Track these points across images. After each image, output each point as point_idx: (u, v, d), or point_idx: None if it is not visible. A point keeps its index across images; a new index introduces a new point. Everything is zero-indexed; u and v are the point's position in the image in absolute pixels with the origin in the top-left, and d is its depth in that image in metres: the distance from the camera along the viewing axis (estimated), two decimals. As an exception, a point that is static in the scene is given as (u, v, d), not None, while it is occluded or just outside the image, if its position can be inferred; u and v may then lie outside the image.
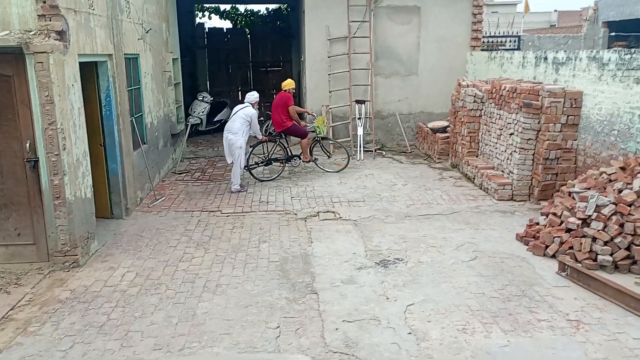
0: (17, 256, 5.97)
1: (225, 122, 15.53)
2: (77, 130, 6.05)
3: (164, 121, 10.35)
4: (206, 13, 18.81)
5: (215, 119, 15.03)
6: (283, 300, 5.17)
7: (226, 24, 19.10)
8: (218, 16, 18.97)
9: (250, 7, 19.00)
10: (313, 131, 10.46)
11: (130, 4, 8.15)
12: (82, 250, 6.05)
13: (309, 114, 11.06)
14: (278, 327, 4.72)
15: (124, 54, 7.73)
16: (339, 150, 11.63)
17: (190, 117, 13.86)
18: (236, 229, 7.19)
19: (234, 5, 18.67)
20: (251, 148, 9.72)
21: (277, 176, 9.84)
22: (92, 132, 6.84)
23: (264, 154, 10.10)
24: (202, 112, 14.57)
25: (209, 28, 18.42)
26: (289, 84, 10.13)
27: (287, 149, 10.12)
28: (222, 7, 18.81)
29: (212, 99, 15.30)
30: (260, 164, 9.86)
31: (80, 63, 6.18)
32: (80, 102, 6.19)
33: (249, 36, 18.44)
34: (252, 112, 9.21)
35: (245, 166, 9.29)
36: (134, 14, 8.35)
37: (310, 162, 10.27)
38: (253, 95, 9.55)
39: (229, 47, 18.14)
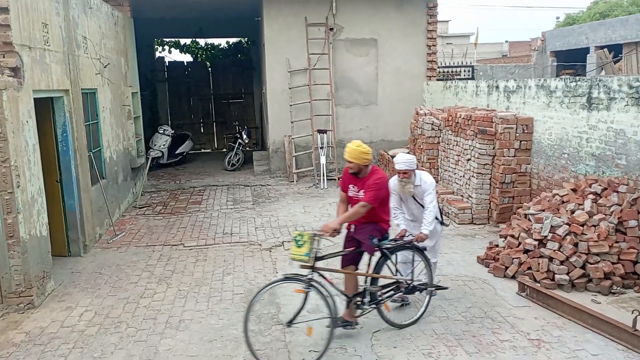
0: (-33, 299, 5.71)
1: (186, 154, 15.54)
2: (31, 167, 5.90)
3: (124, 155, 10.20)
4: (166, 47, 18.83)
5: (177, 152, 14.93)
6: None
7: (187, 58, 19.17)
8: (178, 50, 19.02)
9: (210, 40, 19.15)
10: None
11: (88, 40, 8.11)
12: (37, 290, 5.83)
13: None
14: (243, 360, 4.63)
15: (81, 88, 7.65)
16: None
17: (151, 150, 13.73)
18: (199, 262, 7.08)
19: (194, 39, 18.78)
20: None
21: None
22: (47, 168, 6.69)
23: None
24: (164, 145, 14.48)
25: (169, 61, 18.45)
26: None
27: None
28: (182, 41, 18.89)
29: (173, 132, 15.24)
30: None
31: (35, 99, 6.08)
32: (35, 139, 6.06)
33: (210, 69, 18.54)
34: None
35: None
36: (92, 49, 8.31)
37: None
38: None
39: (190, 80, 18.19)
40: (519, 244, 6.42)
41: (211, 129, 18.67)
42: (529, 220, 6.56)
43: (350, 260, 4.96)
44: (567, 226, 6.05)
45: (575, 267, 5.85)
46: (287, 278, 4.64)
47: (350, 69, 12.78)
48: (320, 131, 12.27)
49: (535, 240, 6.19)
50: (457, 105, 10.93)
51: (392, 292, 5.15)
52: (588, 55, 23.57)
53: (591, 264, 5.83)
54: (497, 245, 6.79)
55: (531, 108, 8.26)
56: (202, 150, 18.23)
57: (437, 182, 10.03)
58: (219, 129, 18.65)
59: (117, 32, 10.16)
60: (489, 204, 8.45)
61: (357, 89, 12.89)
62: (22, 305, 5.68)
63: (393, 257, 5.10)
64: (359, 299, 4.92)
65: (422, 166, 10.35)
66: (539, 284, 5.82)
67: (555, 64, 25.19)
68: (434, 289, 5.44)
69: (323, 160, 11.93)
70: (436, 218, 5.46)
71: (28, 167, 5.79)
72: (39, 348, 4.90)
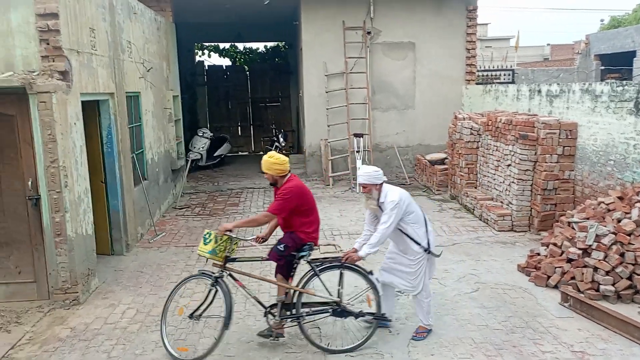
0: (17, 294, 5.94)
1: (224, 157, 15.77)
2: (78, 167, 6.11)
3: (165, 157, 10.44)
4: (206, 51, 19.20)
5: (215, 154, 15.17)
6: (285, 335, 5.12)
7: (225, 62, 19.50)
8: (217, 54, 19.37)
9: (249, 45, 19.42)
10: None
11: (132, 44, 8.34)
12: (82, 287, 6.02)
13: None
14: (280, 363, 4.66)
15: (126, 92, 7.87)
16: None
17: (190, 152, 14.00)
18: (237, 264, 7.15)
19: (233, 43, 19.09)
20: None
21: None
22: (93, 169, 6.90)
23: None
24: (202, 147, 14.74)
25: (208, 66, 18.79)
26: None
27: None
28: (222, 45, 19.23)
29: (212, 134, 15.49)
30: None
31: (82, 102, 6.30)
32: (82, 140, 6.27)
33: (247, 73, 18.79)
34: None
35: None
36: (136, 54, 8.54)
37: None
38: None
39: (228, 83, 18.47)
40: (562, 252, 6.24)
41: (248, 132, 18.91)
42: (573, 228, 6.38)
43: (279, 269, 4.97)
44: (613, 235, 5.85)
45: (622, 278, 5.65)
46: (201, 273, 4.83)
47: (387, 73, 12.72)
48: (356, 135, 12.24)
49: (580, 249, 6.00)
50: (497, 109, 10.73)
51: (318, 312, 4.88)
52: (635, 58, 22.76)
53: (638, 274, 5.62)
54: (538, 254, 6.63)
55: (575, 113, 8.04)
56: (240, 153, 18.48)
57: (475, 187, 9.87)
58: (256, 132, 18.87)
59: (160, 37, 10.42)
60: (530, 211, 8.25)
61: (394, 93, 12.82)
62: (67, 302, 5.88)
63: (325, 275, 4.83)
64: (275, 310, 4.87)
65: (459, 172, 10.21)
66: (582, 295, 5.65)
67: (601, 67, 24.43)
68: (374, 318, 4.85)
69: (359, 164, 11.88)
70: (426, 250, 4.87)
71: (75, 168, 5.99)
72: (83, 343, 5.05)
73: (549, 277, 6.14)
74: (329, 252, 7.60)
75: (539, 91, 9.27)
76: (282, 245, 4.87)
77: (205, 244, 4.68)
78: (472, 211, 9.47)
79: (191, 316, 4.83)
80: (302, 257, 4.86)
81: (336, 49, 12.43)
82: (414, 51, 12.69)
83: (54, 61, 5.67)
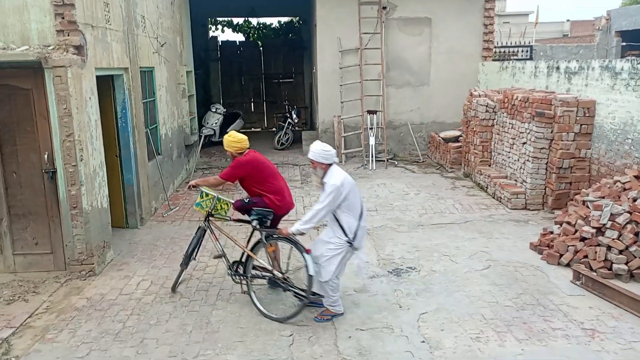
0: (34, 265, 6.08)
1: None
2: (94, 141, 6.17)
3: (178, 132, 10.48)
4: (219, 26, 19.07)
5: (228, 130, 15.17)
6: (296, 308, 5.19)
7: (239, 37, 19.36)
8: (231, 29, 19.22)
9: (262, 20, 19.23)
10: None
11: (146, 19, 8.32)
12: (98, 259, 6.14)
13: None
14: (291, 335, 4.74)
15: (140, 67, 7.88)
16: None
17: (203, 128, 14.03)
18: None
19: (246, 18, 18.92)
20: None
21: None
22: (108, 144, 6.96)
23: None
24: (216, 123, 14.75)
25: (222, 41, 18.66)
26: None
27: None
28: (235, 20, 19.07)
29: (225, 110, 15.48)
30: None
31: (97, 76, 6.32)
32: (97, 115, 6.32)
33: (261, 48, 18.66)
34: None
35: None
36: (149, 29, 8.52)
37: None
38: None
39: (241, 59, 18.37)
40: (576, 231, 6.21)
41: (261, 108, 18.85)
42: (587, 207, 6.32)
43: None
44: (628, 214, 5.79)
45: (635, 257, 5.61)
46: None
47: (402, 49, 12.55)
48: (370, 112, 12.16)
49: (594, 228, 5.96)
50: (513, 86, 10.56)
51: (260, 277, 5.31)
52: (657, 35, 22.15)
53: (653, 254, 5.58)
54: (551, 232, 6.60)
55: (594, 90, 7.88)
56: (253, 129, 18.46)
57: (489, 165, 9.79)
58: (269, 108, 18.81)
59: (174, 12, 10.37)
60: (544, 189, 8.18)
61: (409, 70, 12.66)
62: (83, 273, 6.00)
63: (272, 242, 5.16)
64: (235, 267, 5.37)
65: (474, 149, 10.12)
66: (595, 273, 5.63)
67: (622, 44, 23.84)
68: (305, 298, 4.88)
69: (372, 141, 11.85)
70: (349, 242, 4.78)
71: (90, 142, 6.05)
72: (99, 313, 5.17)
73: (561, 255, 6.12)
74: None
75: (557, 68, 9.09)
76: (248, 199, 5.44)
77: (200, 197, 5.52)
78: (485, 189, 9.42)
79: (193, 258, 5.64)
80: (253, 220, 5.18)
81: (351, 25, 12.26)
82: (430, 27, 12.48)
83: (69, 35, 5.69)
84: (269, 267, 5.20)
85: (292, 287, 5.07)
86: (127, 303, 5.39)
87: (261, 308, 5.10)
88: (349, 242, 4.84)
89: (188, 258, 5.61)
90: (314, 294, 4.96)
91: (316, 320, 4.94)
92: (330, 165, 4.91)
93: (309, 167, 5.48)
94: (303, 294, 4.93)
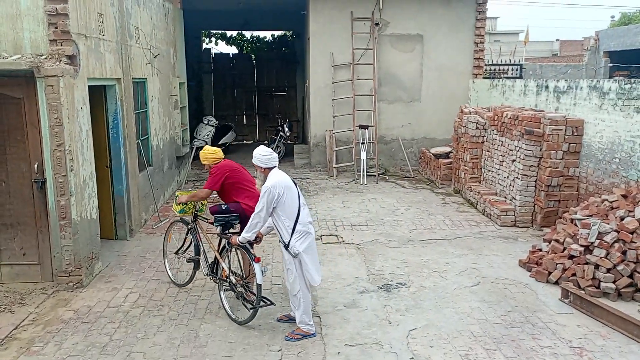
0: (21, 276, 6.00)
1: (229, 145, 15.79)
2: (84, 152, 6.14)
3: (170, 144, 10.46)
4: (213, 39, 19.15)
5: (220, 142, 15.18)
6: (285, 323, 5.16)
7: (232, 50, 19.45)
8: (224, 42, 19.31)
9: (256, 33, 19.35)
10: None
11: (140, 30, 8.34)
12: (86, 270, 6.08)
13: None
14: (280, 350, 4.71)
15: (132, 78, 7.88)
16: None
17: (195, 140, 14.02)
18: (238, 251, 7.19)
19: (240, 31, 19.03)
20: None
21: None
22: (98, 154, 6.93)
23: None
24: (207, 135, 14.75)
25: (215, 53, 18.74)
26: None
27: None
28: (229, 33, 19.17)
29: (217, 122, 15.50)
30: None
31: (89, 86, 6.31)
32: (88, 125, 6.30)
33: (254, 61, 18.75)
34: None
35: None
36: (143, 40, 8.54)
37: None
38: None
39: (234, 72, 18.44)
40: (564, 249, 6.26)
41: (254, 121, 18.90)
42: (576, 225, 6.38)
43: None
44: (616, 233, 5.85)
45: (623, 276, 5.66)
46: (181, 219, 6.04)
47: (394, 65, 12.68)
48: (361, 126, 12.23)
49: (582, 246, 6.01)
50: (503, 104, 10.69)
51: (225, 280, 5.45)
52: (644, 56, 22.55)
53: (639, 273, 5.63)
54: (540, 250, 6.64)
55: (582, 110, 8.00)
56: (245, 142, 18.48)
57: (479, 182, 9.86)
58: (261, 121, 18.86)
59: (167, 23, 10.41)
60: (533, 207, 8.25)
61: (401, 85, 12.78)
62: (71, 284, 5.94)
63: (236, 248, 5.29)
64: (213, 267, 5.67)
65: (464, 166, 10.20)
66: (583, 291, 5.67)
67: (609, 65, 24.24)
68: (256, 303, 4.97)
69: (364, 155, 11.91)
70: (285, 245, 4.80)
71: (81, 152, 6.02)
72: (86, 326, 5.11)
73: (549, 273, 6.15)
74: (331, 242, 7.64)
75: (547, 87, 9.23)
76: (225, 205, 5.62)
77: (176, 205, 5.85)
78: (475, 205, 9.48)
79: (177, 253, 6.08)
80: (218, 223, 5.39)
81: (344, 40, 12.38)
82: (422, 44, 12.63)
83: (62, 45, 5.69)
84: (227, 271, 5.39)
85: (242, 294, 5.22)
86: (115, 316, 5.33)
87: (227, 309, 5.31)
88: (284, 245, 4.83)
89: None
90: (265, 300, 5.02)
91: (287, 339, 4.85)
92: (271, 169, 5.01)
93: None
94: (251, 300, 5.08)
